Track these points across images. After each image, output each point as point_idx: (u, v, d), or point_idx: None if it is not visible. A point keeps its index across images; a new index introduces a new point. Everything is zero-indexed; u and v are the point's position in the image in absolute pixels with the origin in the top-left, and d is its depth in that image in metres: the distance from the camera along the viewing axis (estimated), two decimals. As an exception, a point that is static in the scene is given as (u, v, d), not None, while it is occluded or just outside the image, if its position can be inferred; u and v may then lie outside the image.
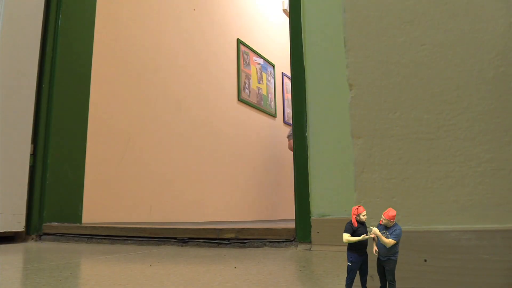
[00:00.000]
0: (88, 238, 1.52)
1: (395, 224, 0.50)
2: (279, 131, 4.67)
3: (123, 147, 2.59)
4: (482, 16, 0.61)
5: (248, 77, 4.17)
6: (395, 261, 0.51)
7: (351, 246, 0.51)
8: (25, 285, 0.69)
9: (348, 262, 0.51)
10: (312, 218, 1.23)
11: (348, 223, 0.51)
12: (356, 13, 0.69)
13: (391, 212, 0.50)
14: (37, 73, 1.75)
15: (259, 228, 1.31)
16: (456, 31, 0.62)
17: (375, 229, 0.50)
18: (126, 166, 2.59)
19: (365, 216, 0.51)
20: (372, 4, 0.68)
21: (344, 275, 0.51)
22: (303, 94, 1.33)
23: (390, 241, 0.49)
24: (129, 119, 2.66)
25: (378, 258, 0.51)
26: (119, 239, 1.47)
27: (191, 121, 3.23)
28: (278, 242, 1.26)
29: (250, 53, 4.27)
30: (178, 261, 1.02)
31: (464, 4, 0.63)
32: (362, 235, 0.50)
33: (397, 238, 0.50)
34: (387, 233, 0.50)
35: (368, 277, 0.53)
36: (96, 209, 2.27)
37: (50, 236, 1.62)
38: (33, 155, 1.71)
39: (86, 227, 1.58)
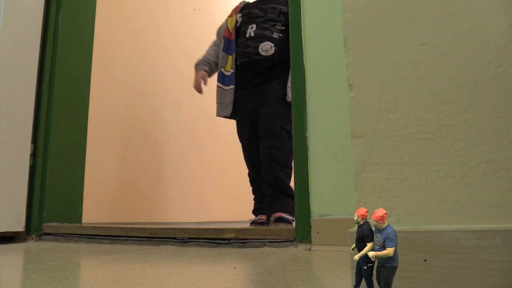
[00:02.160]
0: (88, 238, 1.52)
1: (387, 226, 0.47)
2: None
3: (123, 147, 2.59)
4: (482, 16, 0.61)
5: (248, 77, 4.16)
6: (391, 268, 0.47)
7: None
8: (25, 285, 0.69)
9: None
10: (312, 218, 1.23)
11: None
12: (356, 13, 0.69)
13: (379, 212, 0.47)
14: (37, 73, 1.75)
15: (259, 228, 1.31)
16: (456, 31, 0.62)
17: (370, 253, 0.47)
18: (126, 166, 2.59)
19: (355, 217, 0.49)
20: (372, 4, 0.68)
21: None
22: (303, 94, 1.33)
23: (387, 252, 0.46)
24: (129, 119, 2.66)
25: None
26: (119, 239, 1.47)
27: (191, 120, 3.23)
28: (278, 242, 1.26)
29: (250, 53, 4.26)
30: (178, 261, 1.02)
31: (464, 4, 0.63)
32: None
33: (394, 244, 0.46)
34: (380, 236, 0.47)
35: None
36: (96, 209, 2.27)
37: (50, 236, 1.62)
38: (33, 155, 1.71)
39: (86, 227, 1.58)
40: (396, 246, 0.46)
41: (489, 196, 0.58)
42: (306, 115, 1.31)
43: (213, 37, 3.84)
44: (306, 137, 1.30)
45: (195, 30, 3.38)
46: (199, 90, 2.11)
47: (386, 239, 0.46)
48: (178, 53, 3.16)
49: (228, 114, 2.01)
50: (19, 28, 1.68)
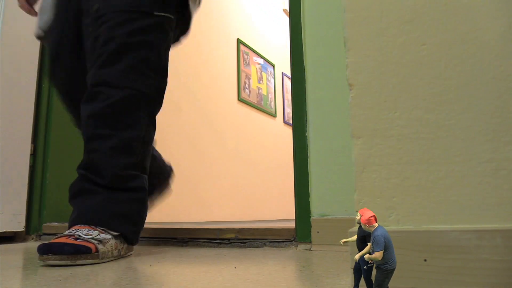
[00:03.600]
0: (88, 238, 1.52)
1: (376, 229, 0.44)
2: (279, 131, 4.67)
3: (123, 147, 2.59)
4: (482, 16, 0.61)
5: (248, 77, 4.16)
6: (384, 271, 0.45)
7: None
8: (25, 285, 0.69)
9: None
10: (312, 218, 1.23)
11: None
12: (356, 13, 0.69)
13: (365, 215, 0.44)
14: (37, 73, 1.75)
15: (259, 228, 1.31)
16: (456, 31, 0.62)
17: (366, 256, 0.45)
18: (126, 166, 2.58)
19: (357, 216, 0.48)
20: (372, 4, 0.68)
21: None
22: (303, 94, 1.33)
23: (375, 256, 0.44)
24: (129, 119, 2.66)
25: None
26: (119, 239, 1.46)
27: (191, 121, 3.23)
28: (278, 242, 1.26)
29: (250, 53, 4.27)
30: (178, 261, 1.02)
31: (464, 4, 0.63)
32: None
33: (380, 248, 0.43)
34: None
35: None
36: (96, 209, 2.26)
37: (50, 236, 1.62)
38: (33, 155, 1.71)
39: (86, 227, 1.58)
40: (389, 249, 0.44)
41: (489, 196, 0.58)
42: (306, 115, 1.31)
43: (212, 36, 3.80)
44: (306, 137, 1.30)
45: (195, 30, 3.38)
46: (29, 10, 1.19)
47: (373, 243, 0.44)
48: (178, 53, 3.16)
49: (44, 28, 1.15)
50: (19, 28, 1.68)
